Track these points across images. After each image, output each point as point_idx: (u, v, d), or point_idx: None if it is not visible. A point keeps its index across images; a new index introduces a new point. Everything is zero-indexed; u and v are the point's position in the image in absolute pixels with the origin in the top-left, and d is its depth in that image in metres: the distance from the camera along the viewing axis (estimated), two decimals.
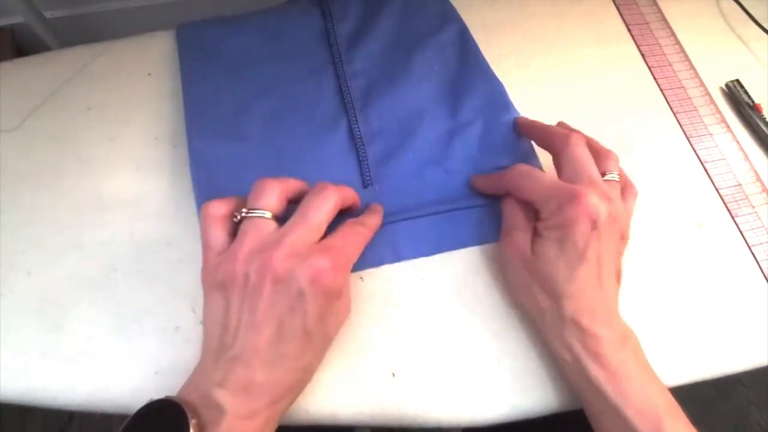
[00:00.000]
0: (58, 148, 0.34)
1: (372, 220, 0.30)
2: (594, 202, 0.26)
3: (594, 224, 0.25)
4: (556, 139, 0.30)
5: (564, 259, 0.26)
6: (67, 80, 0.37)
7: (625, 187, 0.31)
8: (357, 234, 0.28)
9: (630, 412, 0.24)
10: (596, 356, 0.25)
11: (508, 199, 0.31)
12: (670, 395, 0.26)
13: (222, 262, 0.25)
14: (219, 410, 0.22)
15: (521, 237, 0.29)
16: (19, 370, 0.28)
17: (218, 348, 0.24)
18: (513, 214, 0.30)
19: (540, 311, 0.27)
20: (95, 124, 0.35)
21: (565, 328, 0.26)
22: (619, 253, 0.29)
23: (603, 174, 0.29)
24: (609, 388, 0.24)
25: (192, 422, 0.21)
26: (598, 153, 0.30)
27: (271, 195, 0.27)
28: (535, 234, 0.28)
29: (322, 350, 0.26)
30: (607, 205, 0.26)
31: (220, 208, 0.27)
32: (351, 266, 0.27)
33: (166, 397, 0.23)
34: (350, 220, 0.29)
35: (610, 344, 0.25)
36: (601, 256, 0.26)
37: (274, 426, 0.25)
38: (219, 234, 0.26)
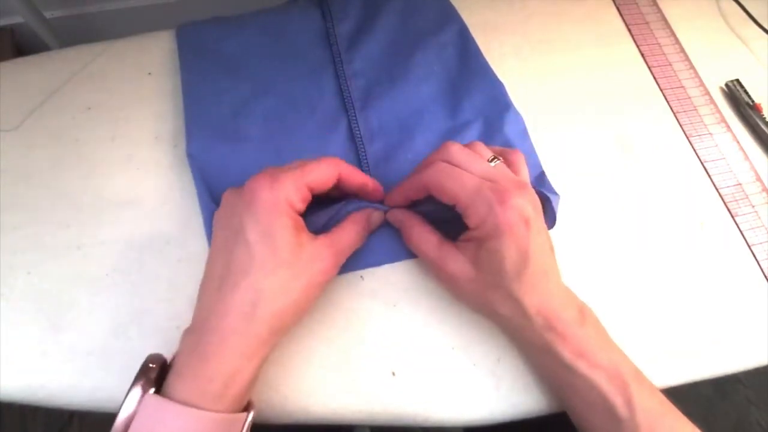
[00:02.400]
0: (58, 148, 0.34)
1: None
2: (519, 202, 0.25)
3: (527, 222, 0.25)
4: (430, 157, 0.29)
5: (510, 265, 0.25)
6: (67, 80, 0.37)
7: (506, 157, 0.30)
8: (322, 160, 0.28)
9: (602, 381, 0.25)
10: (563, 338, 0.26)
11: (411, 224, 0.30)
12: (632, 363, 0.27)
13: None
14: (179, 351, 0.24)
15: (457, 264, 0.27)
16: (19, 370, 0.28)
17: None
18: (427, 242, 0.29)
19: (505, 319, 0.27)
20: (95, 124, 0.35)
21: (533, 324, 0.26)
22: (545, 226, 0.28)
23: (486, 161, 0.28)
24: (579, 363, 0.25)
25: (150, 366, 0.23)
26: (468, 146, 0.29)
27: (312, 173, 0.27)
28: (468, 243, 0.27)
29: (273, 271, 0.24)
30: (528, 197, 0.26)
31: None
32: (303, 187, 0.26)
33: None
34: None
35: (573, 323, 0.26)
36: (539, 247, 0.26)
37: (236, 384, 0.24)
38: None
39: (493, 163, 0.28)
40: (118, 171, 0.34)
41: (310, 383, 0.28)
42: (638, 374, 0.26)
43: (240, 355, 0.24)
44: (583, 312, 0.27)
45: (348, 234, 0.29)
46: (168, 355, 0.25)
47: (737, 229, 0.35)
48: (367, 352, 0.29)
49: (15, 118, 0.35)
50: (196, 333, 0.24)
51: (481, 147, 0.29)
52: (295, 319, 0.26)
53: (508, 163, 0.29)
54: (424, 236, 0.29)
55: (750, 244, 0.34)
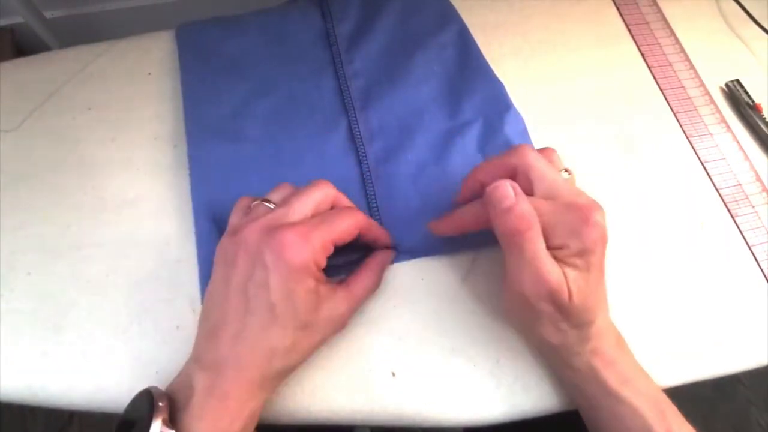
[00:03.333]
0: (58, 148, 0.34)
1: (371, 225, 0.29)
2: (601, 220, 0.24)
3: (604, 241, 0.25)
4: (505, 160, 0.27)
5: (591, 284, 0.25)
6: (67, 80, 0.37)
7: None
8: (344, 214, 0.27)
9: (645, 409, 0.25)
10: (610, 364, 0.26)
11: (529, 228, 0.25)
12: (660, 388, 0.27)
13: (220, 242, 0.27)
14: (190, 387, 0.23)
15: (556, 276, 0.24)
16: (19, 370, 0.28)
17: (203, 324, 0.26)
18: (537, 243, 0.25)
19: (562, 340, 0.26)
20: (95, 124, 0.35)
21: (586, 351, 0.25)
22: None
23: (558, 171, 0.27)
24: (625, 390, 0.25)
25: (159, 405, 0.22)
26: (544, 153, 0.28)
27: (284, 192, 0.28)
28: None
29: (292, 334, 0.24)
30: (604, 215, 0.25)
31: (244, 200, 0.28)
32: (329, 244, 0.26)
33: (148, 387, 0.24)
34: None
35: (614, 349, 0.26)
36: (605, 268, 0.26)
37: (250, 422, 0.25)
38: (233, 219, 0.28)
39: (566, 174, 0.28)
40: (118, 171, 0.34)
41: (311, 383, 0.28)
42: (668, 400, 0.26)
43: (254, 397, 0.25)
44: (619, 340, 0.27)
45: (365, 283, 0.28)
46: (168, 355, 0.25)
47: (737, 229, 0.35)
48: (367, 353, 0.29)
49: (15, 118, 0.35)
50: (211, 372, 0.24)
51: (556, 157, 0.28)
52: (302, 362, 0.27)
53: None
54: (539, 240, 0.25)
55: (750, 245, 0.34)
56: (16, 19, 0.76)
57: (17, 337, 0.28)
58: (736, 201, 0.36)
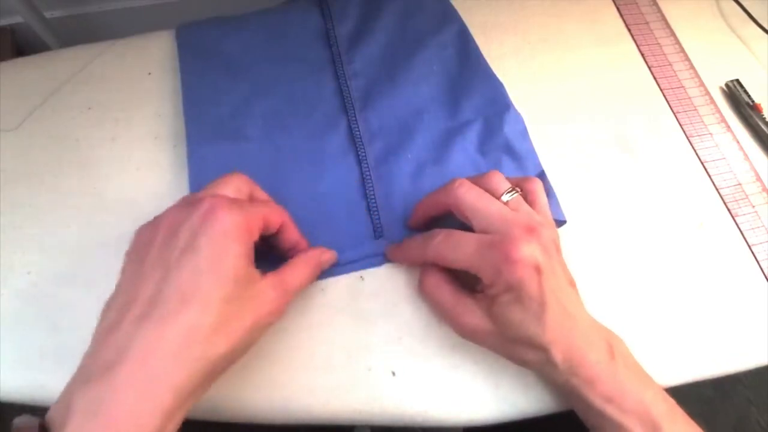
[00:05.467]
0: (58, 148, 0.34)
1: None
2: (527, 252, 0.24)
3: (537, 269, 0.24)
4: (439, 198, 0.28)
5: (529, 314, 0.24)
6: (67, 80, 0.37)
7: (523, 187, 0.29)
8: (269, 202, 0.27)
9: (633, 426, 0.24)
10: (591, 383, 0.25)
11: (425, 269, 0.29)
12: (665, 395, 0.26)
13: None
14: (67, 408, 0.18)
15: (474, 317, 0.26)
16: (19, 370, 0.28)
17: (96, 330, 0.21)
18: (442, 292, 0.28)
19: (532, 364, 0.26)
20: (95, 124, 0.35)
21: (559, 370, 0.25)
22: (562, 262, 0.27)
23: (500, 196, 0.27)
24: (609, 408, 0.24)
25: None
26: (483, 181, 0.28)
27: (228, 187, 0.26)
28: (483, 297, 0.26)
29: (216, 307, 0.21)
30: (536, 242, 0.25)
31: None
32: (259, 220, 0.24)
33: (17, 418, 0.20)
34: None
35: (601, 364, 0.25)
36: (556, 289, 0.25)
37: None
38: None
39: (508, 196, 0.27)
40: (118, 171, 0.34)
41: (311, 383, 0.28)
42: (671, 411, 0.25)
43: (161, 413, 0.18)
44: (612, 346, 0.26)
45: (299, 273, 0.26)
46: None
47: (737, 229, 0.35)
48: (367, 352, 0.29)
49: (15, 118, 0.35)
50: (97, 383, 0.18)
51: (496, 180, 0.28)
52: (226, 366, 0.22)
53: (525, 193, 0.29)
54: (441, 287, 0.28)
55: (750, 244, 0.34)
56: (16, 19, 0.76)
57: (17, 336, 0.28)
58: (736, 201, 0.36)
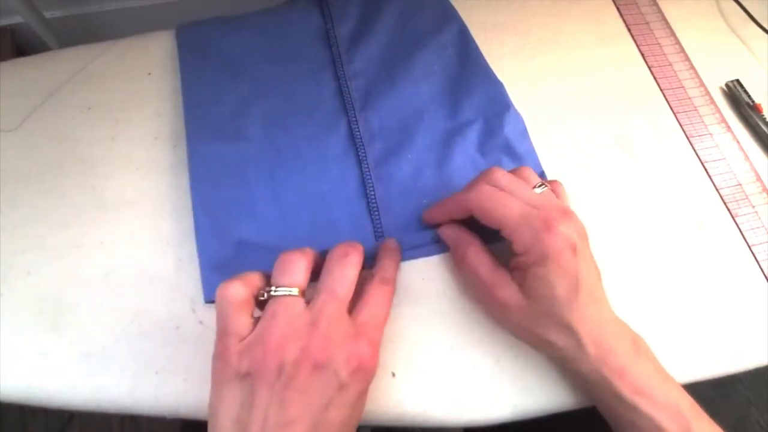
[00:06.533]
0: (58, 148, 0.34)
1: (392, 270, 0.29)
2: (566, 231, 0.25)
3: (573, 248, 0.25)
4: (478, 182, 0.28)
5: (561, 291, 0.25)
6: (67, 80, 0.37)
7: (550, 185, 0.30)
8: (384, 296, 0.27)
9: (664, 421, 0.24)
10: (620, 374, 0.25)
11: (468, 242, 0.29)
12: (686, 394, 0.26)
13: (248, 350, 0.23)
14: None
15: (509, 291, 0.27)
16: (19, 370, 0.28)
17: None
18: (482, 265, 0.28)
19: (557, 349, 0.26)
20: (95, 124, 0.35)
21: (588, 356, 0.25)
22: (592, 254, 0.28)
23: (532, 188, 0.28)
24: (640, 401, 0.24)
25: None
26: (516, 173, 0.29)
27: (297, 270, 0.25)
28: (515, 271, 0.27)
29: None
30: (573, 226, 0.26)
31: (240, 291, 0.24)
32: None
33: None
34: (376, 279, 0.28)
35: (627, 356, 0.25)
36: (587, 273, 0.25)
37: None
38: (243, 320, 0.24)
39: (539, 190, 0.28)
40: (118, 171, 0.34)
41: None
42: (695, 409, 0.25)
43: None
44: (637, 343, 0.26)
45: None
46: (168, 355, 0.25)
47: (737, 229, 0.35)
48: None
49: (15, 118, 0.35)
50: None
51: (528, 173, 0.29)
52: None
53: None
54: (480, 258, 0.28)
55: (750, 245, 0.34)
56: (16, 19, 0.76)
57: (17, 337, 0.28)
58: (736, 201, 0.36)
